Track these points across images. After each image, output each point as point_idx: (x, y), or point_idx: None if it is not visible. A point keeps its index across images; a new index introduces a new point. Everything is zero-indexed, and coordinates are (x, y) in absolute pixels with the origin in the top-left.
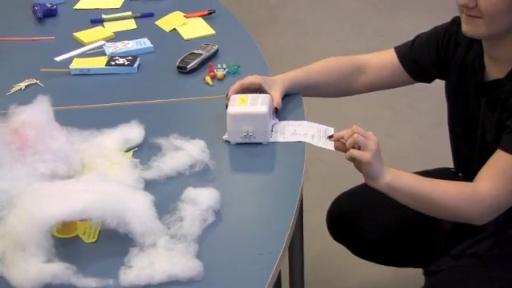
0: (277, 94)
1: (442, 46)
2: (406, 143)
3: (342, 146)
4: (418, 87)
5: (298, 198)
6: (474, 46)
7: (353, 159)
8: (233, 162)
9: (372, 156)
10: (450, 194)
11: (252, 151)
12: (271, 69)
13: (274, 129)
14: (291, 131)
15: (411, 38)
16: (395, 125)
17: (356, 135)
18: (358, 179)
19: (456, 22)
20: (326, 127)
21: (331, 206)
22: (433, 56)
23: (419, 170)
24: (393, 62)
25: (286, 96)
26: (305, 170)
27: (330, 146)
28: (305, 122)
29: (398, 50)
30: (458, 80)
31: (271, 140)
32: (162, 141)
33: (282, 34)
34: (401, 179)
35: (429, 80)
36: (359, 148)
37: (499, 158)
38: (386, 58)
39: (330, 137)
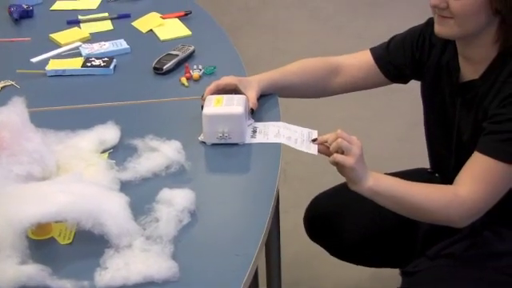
0: (252, 95)
1: (416, 47)
2: (384, 144)
3: (325, 149)
4: (397, 87)
5: (273, 199)
6: (449, 47)
7: (336, 163)
8: (208, 163)
9: (355, 161)
10: (431, 198)
11: (228, 152)
12: (249, 70)
13: (257, 129)
14: (275, 132)
15: (388, 39)
16: (374, 125)
17: (340, 140)
18: (335, 180)
19: (430, 23)
20: (309, 130)
21: (309, 207)
22: (408, 57)
23: (397, 171)
24: (369, 63)
25: (262, 96)
26: (282, 170)
27: (313, 149)
28: (289, 125)
29: (374, 51)
30: (433, 81)
31: (253, 141)
32: (137, 142)
33: (260, 35)
34: (382, 183)
35: (404, 81)
36: (343, 152)
37: (477, 160)
38: (362, 59)
39: (314, 140)
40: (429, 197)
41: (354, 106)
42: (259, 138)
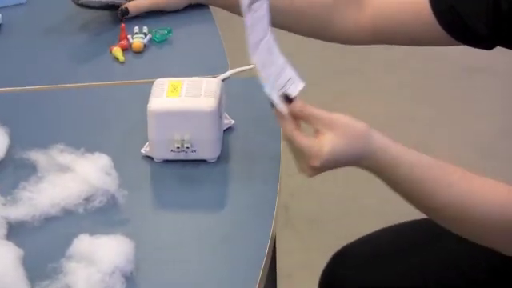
0: None
1: None
2: (457, 160)
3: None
4: (477, 67)
5: (265, 254)
6: None
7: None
8: (157, 193)
9: (313, 173)
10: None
11: (190, 174)
12: (229, 38)
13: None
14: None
15: None
16: (439, 131)
17: (290, 141)
18: (369, 219)
19: None
20: (292, 75)
21: (328, 267)
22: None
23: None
24: (418, 3)
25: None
26: (283, 206)
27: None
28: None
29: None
30: None
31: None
32: (37, 155)
33: None
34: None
35: (481, 44)
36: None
37: None
38: None
39: (287, 98)
40: (481, 198)
41: (407, 98)
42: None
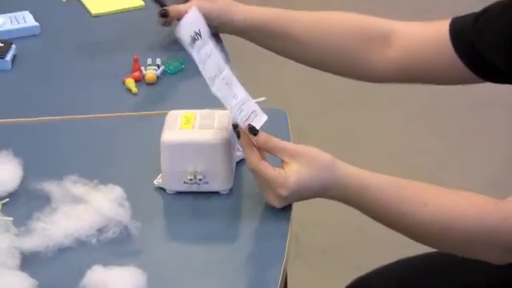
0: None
1: None
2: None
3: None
4: (487, 99)
5: (277, 287)
6: None
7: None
8: (170, 224)
9: (280, 203)
10: (464, 215)
11: (202, 206)
12: (239, 64)
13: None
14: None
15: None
16: (450, 162)
17: (256, 172)
18: (376, 248)
19: None
20: (255, 109)
21: None
22: (505, 38)
23: None
24: (441, 39)
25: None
26: (294, 237)
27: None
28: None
29: (454, 22)
30: None
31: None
32: (51, 186)
33: (259, 4)
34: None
35: (501, 79)
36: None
37: None
38: (432, 31)
39: (252, 130)
40: (460, 212)
41: (416, 130)
42: None
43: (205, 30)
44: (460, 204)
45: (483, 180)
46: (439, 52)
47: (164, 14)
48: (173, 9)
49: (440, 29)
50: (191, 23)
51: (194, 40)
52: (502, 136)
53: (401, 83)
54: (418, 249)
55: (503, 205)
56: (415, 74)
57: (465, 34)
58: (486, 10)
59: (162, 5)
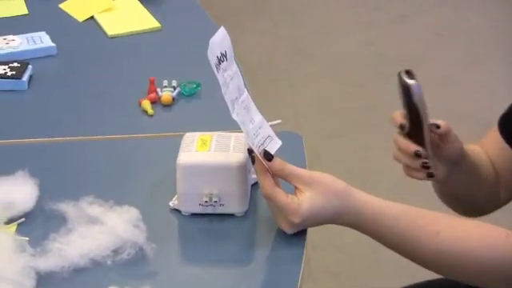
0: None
1: None
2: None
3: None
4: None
5: None
6: None
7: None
8: (185, 246)
9: (292, 230)
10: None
11: (217, 228)
12: (253, 85)
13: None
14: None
15: (482, 38)
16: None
17: (270, 198)
18: (386, 270)
19: None
20: (270, 133)
21: None
22: None
23: None
24: (503, 151)
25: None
26: (306, 259)
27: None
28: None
29: (503, 125)
30: None
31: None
32: (67, 207)
33: (270, 28)
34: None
35: None
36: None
37: None
38: (494, 147)
39: (267, 155)
40: (472, 243)
41: None
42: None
43: (230, 52)
44: (472, 235)
45: None
46: (506, 160)
47: (432, 176)
48: None
49: (496, 140)
50: (219, 44)
51: (219, 61)
52: None
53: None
54: (430, 273)
55: None
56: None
57: None
58: None
59: None
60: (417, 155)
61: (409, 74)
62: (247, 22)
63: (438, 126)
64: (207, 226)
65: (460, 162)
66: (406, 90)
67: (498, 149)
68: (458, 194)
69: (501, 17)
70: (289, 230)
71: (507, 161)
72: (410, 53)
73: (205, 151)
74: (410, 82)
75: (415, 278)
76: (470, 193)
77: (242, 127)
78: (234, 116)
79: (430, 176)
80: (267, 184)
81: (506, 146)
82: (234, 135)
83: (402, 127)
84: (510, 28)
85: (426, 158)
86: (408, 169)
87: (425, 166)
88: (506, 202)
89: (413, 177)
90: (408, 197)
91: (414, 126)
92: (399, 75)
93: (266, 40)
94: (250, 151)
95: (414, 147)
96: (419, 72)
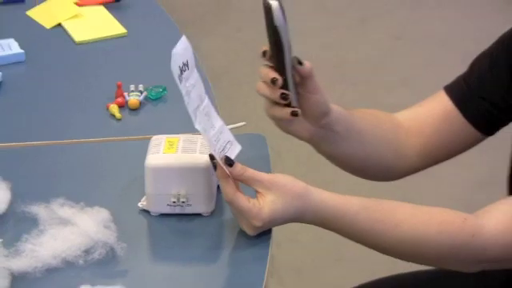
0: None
1: None
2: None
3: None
4: None
5: None
6: None
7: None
8: (154, 245)
9: (255, 232)
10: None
11: (185, 228)
12: (217, 88)
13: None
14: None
15: (440, 40)
16: (426, 185)
17: (231, 203)
18: (349, 268)
19: None
20: (230, 139)
21: None
22: (505, 78)
23: None
24: (447, 111)
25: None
26: (270, 258)
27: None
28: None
29: (451, 89)
30: None
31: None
32: (38, 209)
33: (235, 31)
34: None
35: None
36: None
37: None
38: (435, 107)
39: (227, 161)
40: (429, 231)
41: None
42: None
43: (192, 60)
44: (431, 223)
45: (457, 201)
46: (451, 124)
47: (295, 114)
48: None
49: (442, 103)
50: (181, 54)
51: (181, 71)
52: (469, 157)
53: (421, 170)
54: (393, 267)
55: (471, 221)
56: (437, 155)
57: (467, 95)
58: (471, 69)
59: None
60: (273, 82)
61: None
62: (211, 26)
63: (300, 62)
64: (175, 225)
65: (330, 121)
66: (268, 11)
67: (441, 112)
68: (343, 157)
69: (457, 19)
70: (251, 233)
71: (454, 124)
72: (369, 56)
73: (172, 153)
74: (272, 2)
75: (378, 273)
76: (359, 157)
77: (203, 135)
78: (197, 125)
79: (294, 114)
80: (229, 189)
81: (454, 108)
82: (200, 137)
83: (263, 53)
84: (466, 30)
85: (286, 89)
86: (269, 105)
87: (283, 96)
88: (424, 167)
89: (275, 116)
90: (366, 190)
91: (276, 53)
92: None
93: (229, 44)
94: (212, 157)
95: (272, 73)
96: (380, 74)
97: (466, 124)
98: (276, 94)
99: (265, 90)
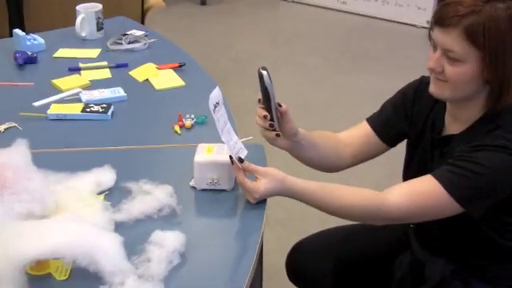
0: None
1: (411, 105)
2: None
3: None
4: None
5: (258, 242)
6: (438, 104)
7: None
8: (198, 207)
9: (255, 201)
10: (361, 197)
11: (216, 197)
12: (235, 116)
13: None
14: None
15: (367, 93)
16: (352, 175)
17: (241, 184)
18: (315, 224)
19: (423, 81)
20: (241, 146)
21: (290, 253)
22: (402, 118)
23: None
24: (369, 135)
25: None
26: (265, 213)
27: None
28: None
29: (371, 121)
30: (417, 135)
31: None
32: (132, 185)
33: (246, 85)
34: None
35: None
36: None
37: (424, 179)
38: (361, 131)
39: (240, 160)
40: (358, 201)
41: None
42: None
43: (221, 100)
44: (357, 196)
45: (371, 184)
46: (369, 143)
47: (278, 135)
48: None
49: (365, 128)
50: (215, 97)
51: (215, 107)
52: (383, 160)
53: (351, 166)
54: (343, 221)
55: (381, 195)
56: (361, 158)
57: (380, 124)
58: (382, 110)
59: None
60: (264, 117)
61: (264, 69)
62: (234, 82)
63: (280, 105)
64: (210, 196)
65: (298, 138)
66: (260, 77)
67: (363, 134)
68: (306, 159)
69: (332, 54)
70: (253, 202)
71: (368, 142)
72: (324, 100)
73: (210, 154)
74: (263, 72)
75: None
76: (316, 159)
77: (226, 144)
78: (223, 139)
79: (277, 135)
80: (240, 176)
81: (372, 132)
82: (225, 146)
83: (259, 100)
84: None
85: (272, 121)
86: (263, 130)
87: (271, 125)
88: (354, 165)
89: (266, 136)
90: (322, 178)
91: (266, 100)
92: (258, 69)
93: (243, 91)
94: (231, 157)
95: (264, 112)
96: (329, 111)
97: (379, 141)
98: (266, 124)
99: (260, 121)
